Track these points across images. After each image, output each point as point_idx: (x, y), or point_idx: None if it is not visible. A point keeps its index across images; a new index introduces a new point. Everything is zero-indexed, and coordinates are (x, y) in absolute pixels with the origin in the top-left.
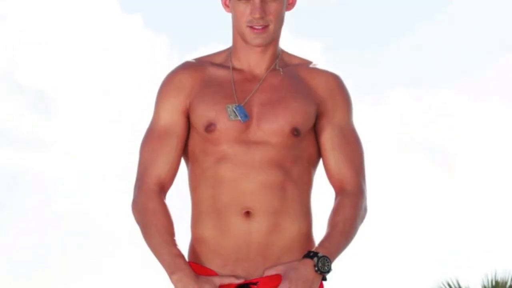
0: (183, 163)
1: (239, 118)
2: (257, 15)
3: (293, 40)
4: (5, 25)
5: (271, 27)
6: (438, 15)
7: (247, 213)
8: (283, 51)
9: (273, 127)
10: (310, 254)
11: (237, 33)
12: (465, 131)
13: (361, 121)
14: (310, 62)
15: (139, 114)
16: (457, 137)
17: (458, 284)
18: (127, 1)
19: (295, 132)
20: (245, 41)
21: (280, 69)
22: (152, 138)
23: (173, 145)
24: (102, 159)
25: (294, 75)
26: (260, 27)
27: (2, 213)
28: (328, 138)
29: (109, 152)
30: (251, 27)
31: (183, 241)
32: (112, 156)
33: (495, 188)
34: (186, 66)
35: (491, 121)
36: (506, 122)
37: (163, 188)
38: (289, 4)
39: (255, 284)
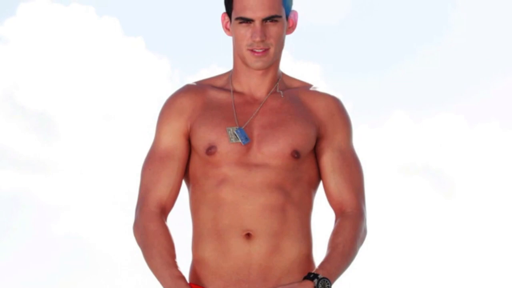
0: (184, 185)
1: (240, 140)
2: (258, 39)
3: (293, 63)
4: (8, 48)
5: (272, 50)
6: (437, 37)
7: (248, 235)
8: (283, 74)
9: (273, 149)
10: (310, 276)
11: (238, 56)
12: (464, 154)
13: (361, 143)
14: (310, 85)
15: (141, 137)
16: (456, 160)
17: None
18: (128, 24)
19: (296, 154)
20: (245, 64)
21: (281, 92)
22: (153, 160)
23: (174, 167)
24: (104, 182)
25: (294, 98)
26: (260, 51)
27: (2, 235)
28: (328, 160)
29: (111, 175)
30: (251, 50)
31: (184, 262)
32: (113, 180)
33: (495, 212)
34: (187, 89)
35: (490, 144)
36: (505, 145)
37: (164, 210)
38: (289, 28)
39: None
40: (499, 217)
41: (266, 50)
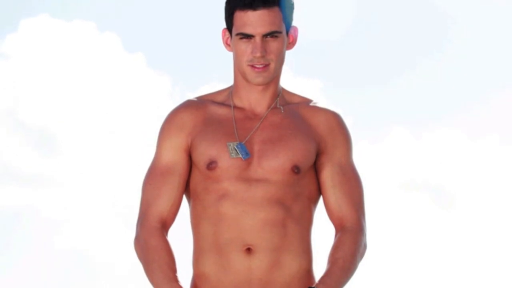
0: (185, 200)
1: (240, 156)
2: (258, 54)
3: (294, 78)
4: (10, 64)
5: (272, 65)
6: (437, 53)
7: (248, 250)
8: (283, 90)
9: (274, 164)
10: None
11: (238, 72)
12: (464, 169)
13: (361, 159)
14: (310, 101)
15: (142, 152)
16: (457, 175)
17: None
18: (129, 40)
19: (296, 169)
20: (246, 79)
21: (281, 107)
22: (154, 176)
23: (175, 183)
24: (105, 196)
25: (294, 113)
26: (261, 66)
27: (5, 251)
28: (328, 175)
29: (112, 190)
30: (252, 65)
31: (185, 277)
32: (115, 194)
33: (495, 227)
34: (187, 105)
35: (490, 159)
36: (505, 160)
37: (165, 225)
38: (289, 43)
39: None
40: (499, 232)
41: (266, 66)
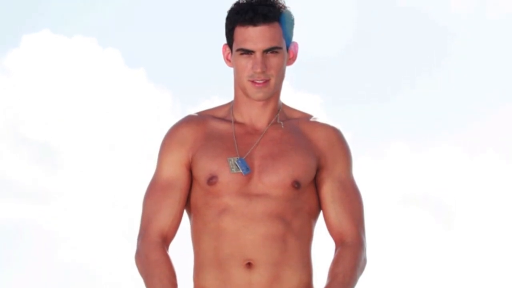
0: (185, 214)
1: (241, 171)
2: (259, 70)
3: (294, 93)
4: (11, 80)
5: (272, 81)
6: (436, 69)
7: (249, 265)
8: (284, 105)
9: (274, 180)
10: None
11: (239, 87)
12: (464, 185)
13: (361, 174)
14: (310, 116)
15: (143, 167)
16: (456, 191)
17: None
18: (131, 56)
19: (296, 185)
20: (246, 95)
21: (281, 122)
22: (155, 190)
23: (175, 197)
24: (106, 211)
25: (295, 128)
26: (261, 82)
27: (6, 265)
28: (328, 190)
29: (113, 205)
30: (252, 81)
31: None
32: (116, 209)
33: (494, 242)
34: (188, 120)
35: (489, 175)
36: (504, 176)
37: (166, 239)
38: (289, 59)
39: None
40: (498, 248)
41: (266, 81)
